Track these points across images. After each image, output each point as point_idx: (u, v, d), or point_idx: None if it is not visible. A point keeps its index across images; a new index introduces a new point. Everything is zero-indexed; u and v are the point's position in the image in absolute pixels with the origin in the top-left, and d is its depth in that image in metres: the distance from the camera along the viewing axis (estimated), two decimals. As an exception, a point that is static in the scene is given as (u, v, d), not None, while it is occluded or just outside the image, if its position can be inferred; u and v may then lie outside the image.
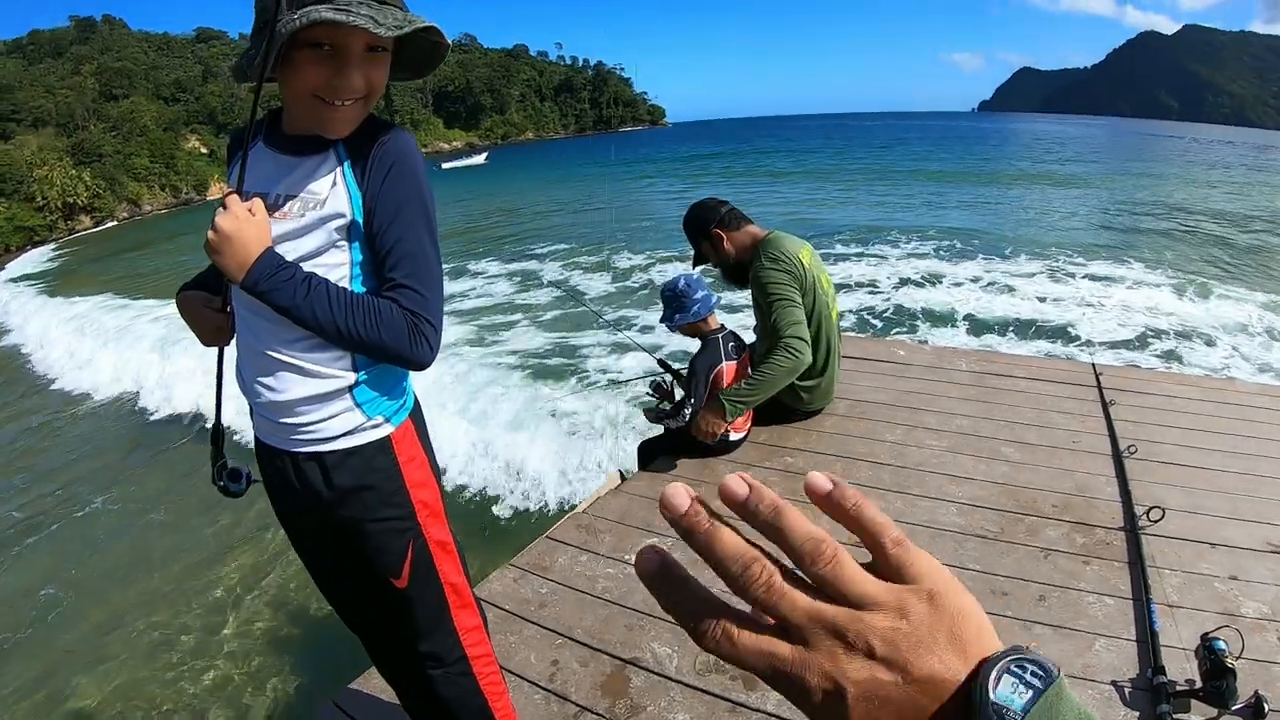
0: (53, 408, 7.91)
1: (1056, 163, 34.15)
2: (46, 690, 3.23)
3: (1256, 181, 25.42)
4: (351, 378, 1.22)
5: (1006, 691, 0.30)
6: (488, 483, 4.67)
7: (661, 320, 3.01)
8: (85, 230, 35.92)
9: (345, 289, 1.15)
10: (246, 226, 1.10)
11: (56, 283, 18.15)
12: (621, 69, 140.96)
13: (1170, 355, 6.98)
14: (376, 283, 1.20)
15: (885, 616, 0.32)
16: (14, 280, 19.49)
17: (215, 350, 1.32)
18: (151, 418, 6.89)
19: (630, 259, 12.32)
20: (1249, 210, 17.42)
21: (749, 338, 3.23)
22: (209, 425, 1.40)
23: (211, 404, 1.36)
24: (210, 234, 1.09)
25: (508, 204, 24.16)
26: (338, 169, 1.16)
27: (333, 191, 1.15)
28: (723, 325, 3.04)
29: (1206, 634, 1.69)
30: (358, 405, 1.24)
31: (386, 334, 1.14)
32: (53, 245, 30.00)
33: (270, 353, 1.20)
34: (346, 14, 1.00)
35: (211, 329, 1.28)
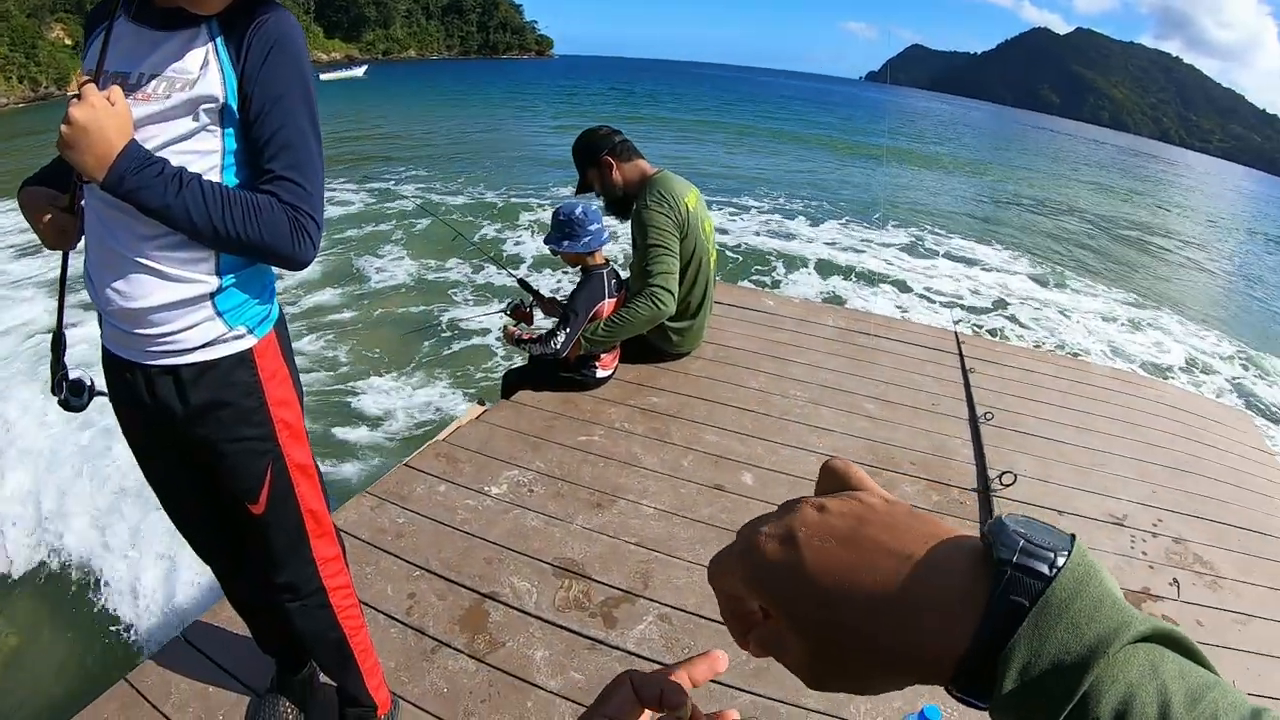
0: None
1: (936, 142, 35.98)
2: None
3: (1125, 187, 27.78)
4: (214, 283, 1.14)
5: (1019, 526, 0.30)
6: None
7: (546, 241, 2.95)
8: (-66, 124, 31.21)
9: (219, 184, 1.07)
10: (106, 118, 0.98)
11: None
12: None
13: (1015, 320, 7.61)
14: (250, 173, 1.13)
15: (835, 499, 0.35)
16: None
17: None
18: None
19: (491, 192, 12.22)
20: (1116, 214, 19.06)
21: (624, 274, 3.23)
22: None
23: None
24: (63, 127, 0.98)
25: (385, 122, 23.10)
26: (209, 46, 1.06)
27: (204, 72, 1.06)
28: (608, 260, 3.02)
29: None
30: (219, 314, 1.16)
31: (267, 232, 1.08)
32: (-104, 138, 25.93)
33: (125, 254, 1.09)
34: None
35: (55, 231, 1.15)
